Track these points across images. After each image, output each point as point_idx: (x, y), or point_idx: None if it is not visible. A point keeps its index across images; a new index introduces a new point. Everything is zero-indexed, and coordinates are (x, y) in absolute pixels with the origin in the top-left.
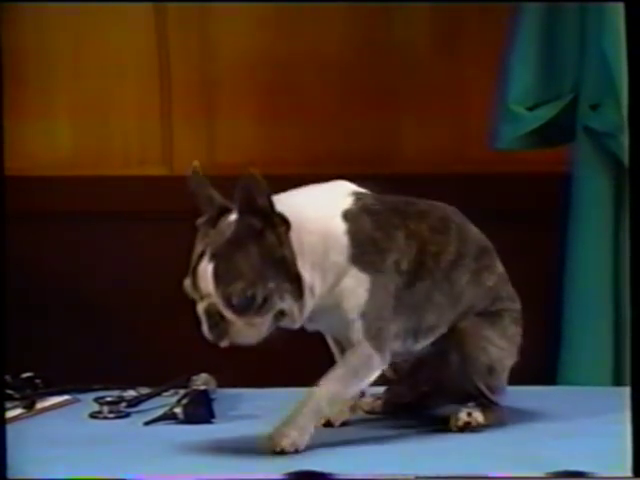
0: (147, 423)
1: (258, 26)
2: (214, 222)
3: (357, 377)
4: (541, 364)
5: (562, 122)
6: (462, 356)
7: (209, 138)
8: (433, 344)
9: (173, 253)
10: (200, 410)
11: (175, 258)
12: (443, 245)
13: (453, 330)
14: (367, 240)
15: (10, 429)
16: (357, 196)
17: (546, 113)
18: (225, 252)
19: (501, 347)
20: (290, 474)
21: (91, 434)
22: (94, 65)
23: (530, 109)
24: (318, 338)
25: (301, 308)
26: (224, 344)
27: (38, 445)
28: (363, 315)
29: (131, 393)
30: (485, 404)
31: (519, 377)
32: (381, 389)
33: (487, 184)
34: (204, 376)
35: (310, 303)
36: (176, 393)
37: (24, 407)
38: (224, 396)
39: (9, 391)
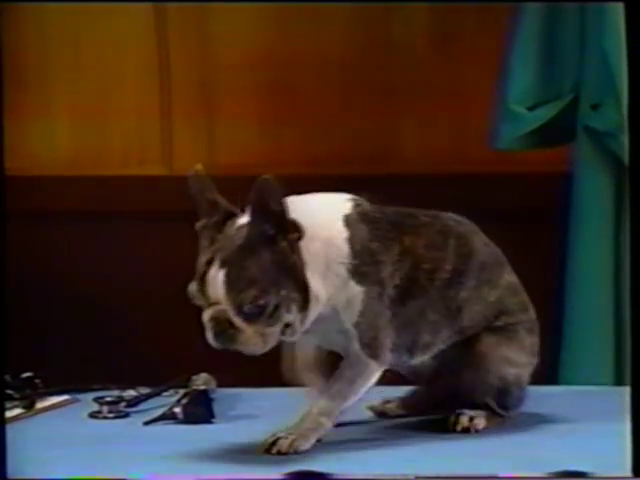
0: (147, 423)
1: (258, 26)
2: (220, 227)
3: (354, 387)
4: (542, 364)
5: (562, 122)
6: (476, 377)
7: (209, 138)
8: (450, 358)
9: (173, 253)
10: (200, 410)
11: (175, 258)
12: (438, 262)
13: (470, 348)
14: (364, 250)
15: (10, 429)
16: (356, 202)
17: (546, 113)
18: (237, 258)
19: (522, 363)
20: (290, 474)
21: (91, 434)
22: (94, 65)
23: (530, 109)
24: None
25: (304, 319)
26: (228, 350)
27: (38, 445)
28: (357, 325)
29: (131, 393)
30: (491, 414)
31: None
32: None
33: (487, 184)
34: (204, 376)
35: (314, 312)
36: (176, 393)
37: (24, 407)
38: (224, 396)
39: (9, 391)
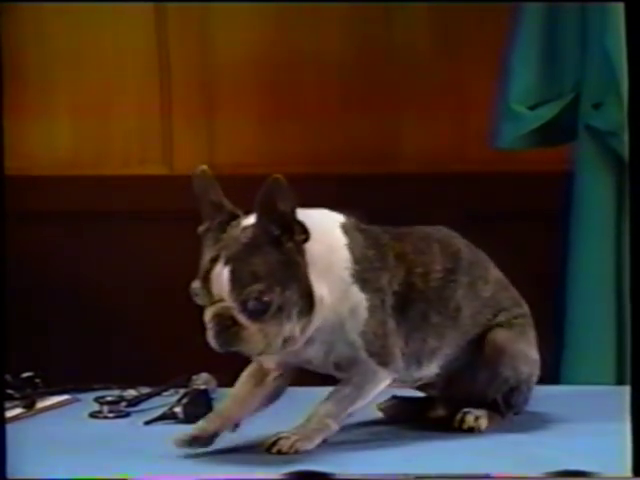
0: (147, 423)
1: (258, 25)
2: (224, 227)
3: (363, 394)
4: (544, 363)
5: (563, 121)
6: (493, 373)
7: (209, 137)
8: (463, 359)
9: (174, 252)
10: (200, 410)
11: (176, 257)
12: (428, 265)
13: (485, 344)
14: (363, 257)
15: (10, 429)
16: (345, 214)
17: (547, 112)
18: (242, 255)
19: (534, 360)
20: (290, 474)
21: (91, 434)
22: (94, 64)
23: (531, 108)
24: None
25: (306, 325)
26: (230, 350)
27: (38, 445)
28: (363, 334)
29: (131, 392)
30: (493, 413)
31: None
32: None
33: (488, 183)
34: (204, 376)
35: (318, 318)
36: (176, 392)
37: (24, 407)
38: (224, 396)
39: (9, 390)
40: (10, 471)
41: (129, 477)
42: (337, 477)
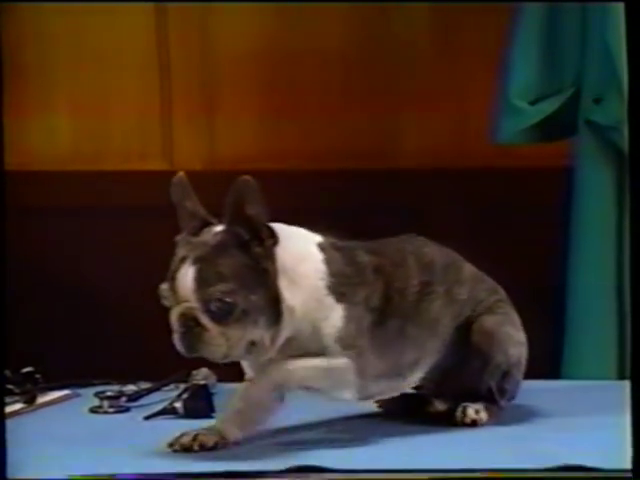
0: (147, 418)
1: (258, 23)
2: (197, 232)
3: (328, 377)
4: (545, 358)
5: (564, 116)
6: (484, 358)
7: (209, 133)
8: (450, 357)
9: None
10: (200, 405)
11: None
12: (405, 279)
13: (473, 333)
14: (340, 272)
15: (10, 424)
16: (322, 233)
17: (548, 107)
18: (209, 256)
19: (522, 342)
20: (290, 468)
21: (91, 429)
22: (94, 60)
23: (532, 103)
24: None
25: (275, 334)
26: (193, 354)
27: (38, 440)
28: (339, 339)
29: (131, 388)
30: (490, 405)
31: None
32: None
33: (489, 179)
34: (204, 371)
35: (288, 328)
36: (176, 387)
37: (24, 402)
38: (224, 391)
39: (9, 386)
40: (10, 468)
41: (129, 472)
42: (336, 471)
